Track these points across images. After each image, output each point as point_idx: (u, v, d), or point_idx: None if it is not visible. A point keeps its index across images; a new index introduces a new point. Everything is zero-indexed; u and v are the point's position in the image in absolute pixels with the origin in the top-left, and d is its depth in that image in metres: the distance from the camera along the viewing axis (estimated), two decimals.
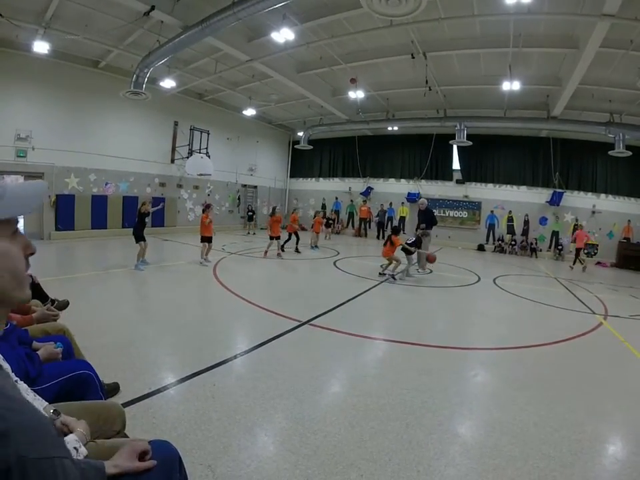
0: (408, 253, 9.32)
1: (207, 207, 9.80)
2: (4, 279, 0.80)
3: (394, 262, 9.04)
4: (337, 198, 21.19)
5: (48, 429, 0.70)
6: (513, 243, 16.97)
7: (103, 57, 12.14)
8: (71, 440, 1.40)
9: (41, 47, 9.91)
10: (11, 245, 0.81)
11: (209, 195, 17.41)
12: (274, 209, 11.78)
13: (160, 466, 1.50)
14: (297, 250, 12.29)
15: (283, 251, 11.62)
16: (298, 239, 12.57)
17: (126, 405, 3.02)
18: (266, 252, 11.14)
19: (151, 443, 1.61)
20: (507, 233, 17.29)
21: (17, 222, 0.86)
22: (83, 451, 1.47)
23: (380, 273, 9.41)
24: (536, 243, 16.71)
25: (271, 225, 11.22)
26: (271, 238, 11.17)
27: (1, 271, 0.80)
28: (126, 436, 2.40)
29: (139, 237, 8.53)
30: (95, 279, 7.32)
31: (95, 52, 11.85)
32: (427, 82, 11.79)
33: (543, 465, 2.71)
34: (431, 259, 9.58)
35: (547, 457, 2.80)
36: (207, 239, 9.47)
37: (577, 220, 16.00)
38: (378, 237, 18.93)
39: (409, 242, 9.42)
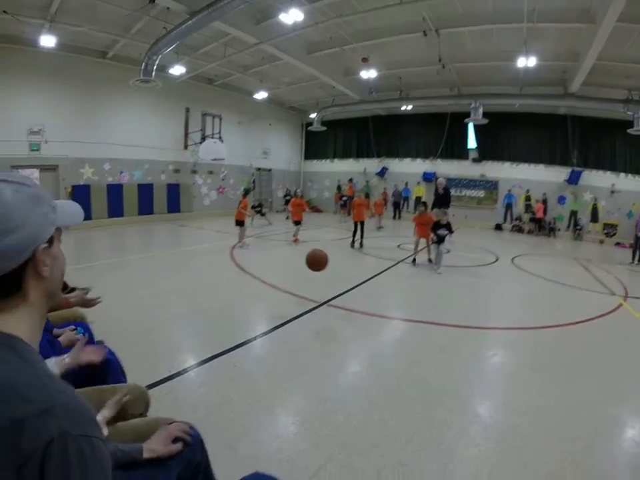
0: (440, 240, 8.28)
1: (246, 193, 10.34)
2: (56, 280, 0.88)
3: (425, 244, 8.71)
4: (367, 182, 20.63)
5: (90, 410, 0.76)
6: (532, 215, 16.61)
7: (110, 47, 12.07)
8: None
9: (47, 41, 9.88)
10: (61, 250, 0.91)
11: (223, 179, 17.43)
12: (294, 191, 11.61)
13: (182, 446, 1.52)
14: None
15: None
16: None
17: (148, 388, 3.07)
18: (297, 239, 10.63)
19: (172, 424, 1.64)
20: (525, 213, 16.99)
21: (62, 231, 1.05)
22: (105, 432, 1.52)
23: (413, 260, 8.77)
24: (554, 223, 16.40)
25: (291, 210, 10.91)
26: (295, 223, 10.73)
27: (56, 272, 0.87)
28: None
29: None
30: (113, 266, 7.43)
31: (102, 42, 11.79)
32: (439, 59, 11.48)
33: (562, 446, 2.69)
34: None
35: (567, 439, 2.77)
36: (241, 223, 9.82)
37: (595, 199, 15.60)
38: (394, 217, 18.80)
39: (442, 234, 8.27)
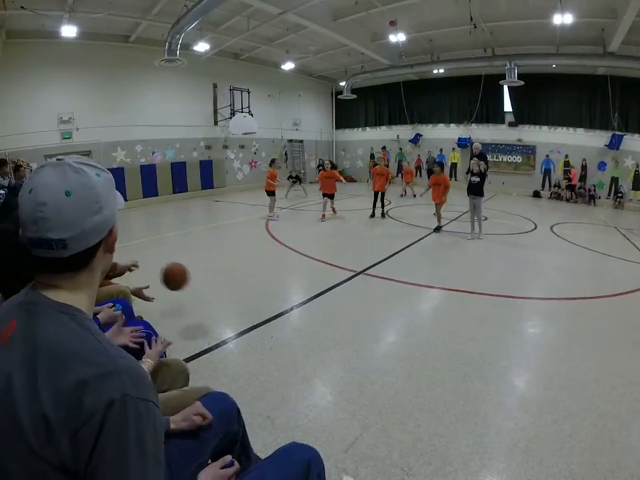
0: (478, 193, 8.06)
1: (272, 162, 10.21)
2: (112, 257, 0.97)
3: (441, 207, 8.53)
4: (400, 149, 20.16)
5: (147, 377, 0.81)
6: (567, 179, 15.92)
7: (132, 30, 12.03)
8: None
9: (69, 31, 9.94)
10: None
11: (255, 153, 17.44)
12: (322, 162, 11.03)
13: (219, 417, 1.57)
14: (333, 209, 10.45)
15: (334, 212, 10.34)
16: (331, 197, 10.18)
17: (186, 360, 3.19)
18: (323, 214, 9.87)
19: (210, 394, 1.69)
20: (564, 179, 16.26)
21: None
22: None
23: (438, 227, 8.74)
24: (594, 190, 15.60)
25: (321, 181, 10.16)
26: (324, 195, 10.04)
27: (114, 247, 0.95)
28: None
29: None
30: (150, 244, 7.64)
31: (123, 27, 11.77)
32: (471, 19, 10.90)
33: (600, 422, 2.63)
34: None
35: (605, 415, 2.71)
36: (272, 193, 9.78)
37: (637, 165, 14.65)
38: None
39: (474, 181, 8.08)
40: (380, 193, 9.98)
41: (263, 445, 2.32)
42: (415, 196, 13.73)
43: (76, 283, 0.86)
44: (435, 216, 8.78)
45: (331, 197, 10.08)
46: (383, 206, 10.19)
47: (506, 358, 3.45)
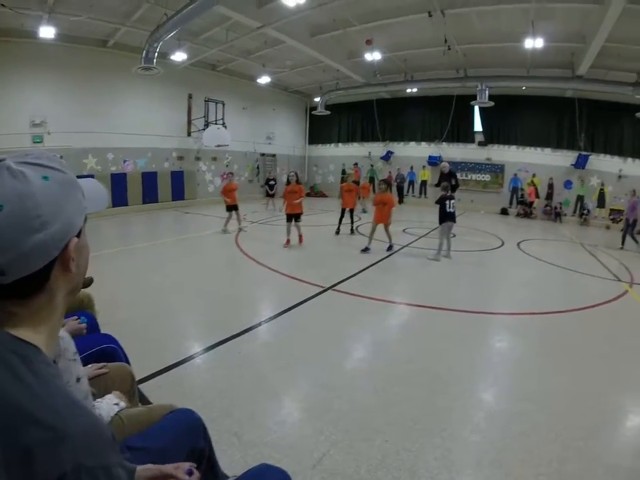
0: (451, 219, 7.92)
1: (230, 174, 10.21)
2: (82, 274, 0.79)
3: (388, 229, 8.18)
4: (372, 166, 20.32)
5: (105, 433, 0.66)
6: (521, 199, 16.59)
7: (110, 35, 11.92)
8: (110, 398, 1.58)
9: (47, 32, 9.77)
10: (86, 239, 0.80)
11: (227, 165, 17.35)
12: (287, 175, 9.45)
13: (185, 433, 1.53)
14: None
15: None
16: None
17: (153, 375, 3.11)
18: (287, 240, 8.51)
19: (176, 411, 1.65)
20: (519, 196, 16.80)
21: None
22: (123, 404, 1.60)
23: (366, 248, 8.10)
24: (560, 207, 16.21)
25: (285, 198, 8.67)
26: (288, 217, 8.58)
27: (82, 266, 0.78)
28: (147, 400, 2.48)
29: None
30: (119, 255, 7.45)
31: (102, 31, 11.64)
32: (445, 41, 11.26)
33: (567, 434, 2.69)
34: None
35: (572, 426, 2.77)
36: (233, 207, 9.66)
37: (602, 184, 15.36)
38: (400, 202, 18.78)
39: (451, 209, 7.90)
40: (349, 209, 9.96)
41: (230, 461, 2.27)
42: (364, 211, 13.76)
43: (33, 309, 0.70)
44: (369, 237, 8.20)
45: (297, 217, 8.53)
46: (352, 222, 10.19)
47: (473, 373, 3.50)
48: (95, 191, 0.90)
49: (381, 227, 8.17)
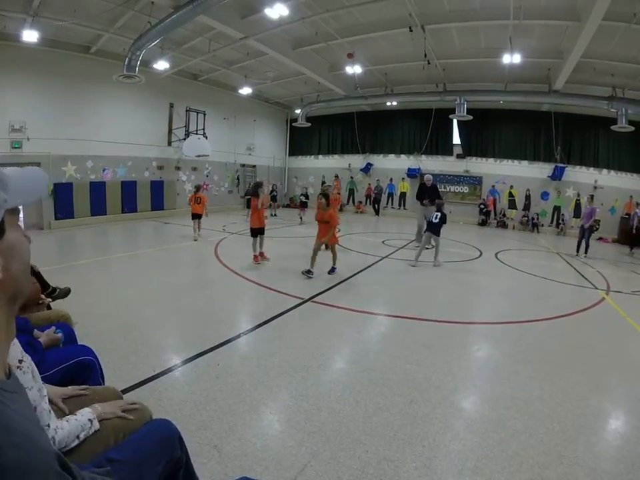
0: (435, 232, 8.10)
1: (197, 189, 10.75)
2: (20, 272, 0.71)
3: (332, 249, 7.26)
4: (351, 177, 20.78)
5: (50, 468, 0.59)
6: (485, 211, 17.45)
7: (93, 42, 11.83)
8: (85, 412, 1.52)
9: (30, 35, 9.62)
10: (21, 236, 0.73)
11: (207, 175, 17.27)
12: (253, 185, 8.68)
13: (161, 443, 1.51)
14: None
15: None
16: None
17: (131, 388, 3.05)
18: (255, 256, 7.82)
19: (152, 421, 1.63)
20: (509, 208, 17.26)
21: (19, 212, 0.78)
22: (96, 425, 1.53)
23: (308, 271, 6.83)
24: (538, 218, 16.63)
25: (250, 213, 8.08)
26: (252, 232, 7.82)
27: (18, 263, 0.70)
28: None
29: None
30: (97, 265, 7.31)
31: (85, 37, 11.56)
32: (425, 55, 11.50)
33: (546, 439, 2.73)
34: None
35: (551, 432, 2.82)
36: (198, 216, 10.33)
37: (578, 195, 15.84)
38: (377, 214, 19.06)
39: (434, 220, 8.14)
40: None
41: (210, 474, 2.24)
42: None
43: None
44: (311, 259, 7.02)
45: (261, 232, 7.82)
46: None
47: (452, 381, 3.53)
48: (31, 180, 0.79)
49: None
